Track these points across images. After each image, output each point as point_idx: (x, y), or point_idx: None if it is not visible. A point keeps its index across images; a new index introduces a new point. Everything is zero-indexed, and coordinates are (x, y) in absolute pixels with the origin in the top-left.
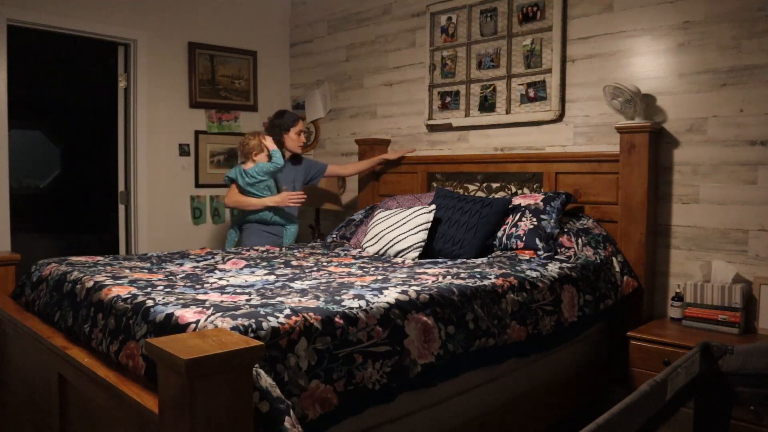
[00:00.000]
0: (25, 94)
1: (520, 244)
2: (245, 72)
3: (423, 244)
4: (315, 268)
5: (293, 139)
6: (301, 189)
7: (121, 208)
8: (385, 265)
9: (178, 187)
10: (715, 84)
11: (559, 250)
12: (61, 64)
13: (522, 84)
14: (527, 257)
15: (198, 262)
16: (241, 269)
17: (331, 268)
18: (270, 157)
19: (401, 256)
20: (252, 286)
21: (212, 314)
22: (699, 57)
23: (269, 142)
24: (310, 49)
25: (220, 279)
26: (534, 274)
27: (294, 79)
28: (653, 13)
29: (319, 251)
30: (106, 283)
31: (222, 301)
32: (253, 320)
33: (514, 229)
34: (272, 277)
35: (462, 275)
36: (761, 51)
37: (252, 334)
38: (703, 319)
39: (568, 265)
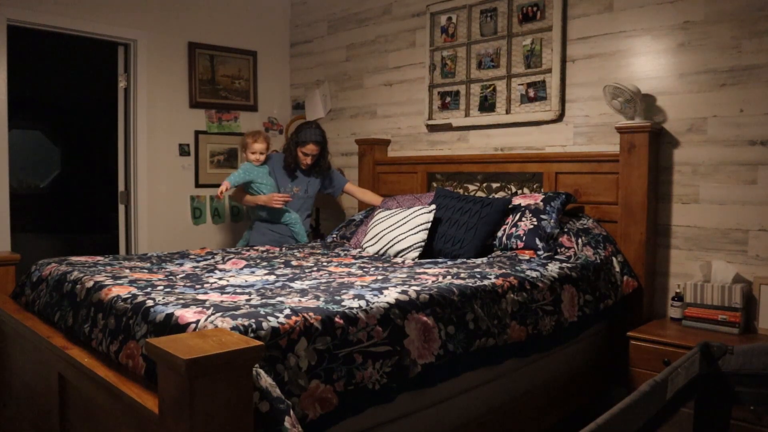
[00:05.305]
0: (25, 94)
1: (520, 244)
2: (245, 72)
3: (423, 244)
4: (315, 268)
5: (300, 157)
6: (313, 195)
7: (121, 208)
8: (385, 265)
9: (178, 187)
10: (715, 84)
11: (559, 250)
12: (61, 64)
13: (522, 84)
14: (527, 257)
15: (198, 262)
16: (241, 269)
17: (331, 268)
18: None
19: (401, 256)
20: (252, 286)
21: (212, 314)
22: (699, 57)
23: (257, 146)
24: (310, 49)
25: (220, 279)
26: (534, 274)
27: (294, 79)
28: (653, 13)
29: (319, 251)
30: (106, 283)
31: (222, 301)
32: (253, 320)
33: (514, 229)
34: (272, 277)
35: (462, 275)
36: (761, 51)
37: (252, 334)
38: (703, 319)
39: (568, 265)
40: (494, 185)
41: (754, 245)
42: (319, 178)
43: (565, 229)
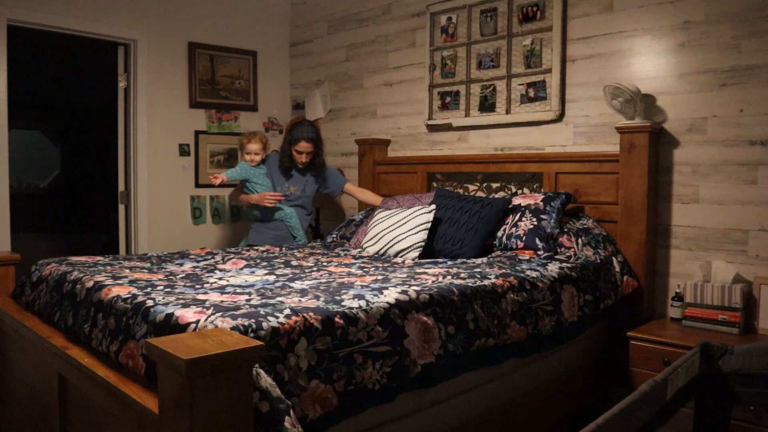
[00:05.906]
0: (25, 94)
1: (520, 244)
2: (245, 72)
3: (423, 244)
4: (315, 268)
5: (294, 155)
6: (311, 195)
7: (121, 208)
8: (385, 265)
9: (178, 187)
10: (715, 84)
11: (559, 250)
12: (61, 64)
13: (522, 84)
14: (527, 257)
15: (198, 262)
16: (241, 269)
17: (331, 268)
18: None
19: (401, 256)
20: (252, 286)
21: (212, 314)
22: (699, 57)
23: (251, 147)
24: (310, 49)
25: (220, 279)
26: (534, 274)
27: (294, 79)
28: (653, 13)
29: (319, 251)
30: (106, 283)
31: (222, 301)
32: (253, 320)
33: (514, 229)
34: (272, 277)
35: (462, 275)
36: (761, 51)
37: (252, 334)
38: (703, 319)
39: (568, 265)
40: (494, 185)
41: (754, 245)
42: (315, 177)
43: (565, 229)
